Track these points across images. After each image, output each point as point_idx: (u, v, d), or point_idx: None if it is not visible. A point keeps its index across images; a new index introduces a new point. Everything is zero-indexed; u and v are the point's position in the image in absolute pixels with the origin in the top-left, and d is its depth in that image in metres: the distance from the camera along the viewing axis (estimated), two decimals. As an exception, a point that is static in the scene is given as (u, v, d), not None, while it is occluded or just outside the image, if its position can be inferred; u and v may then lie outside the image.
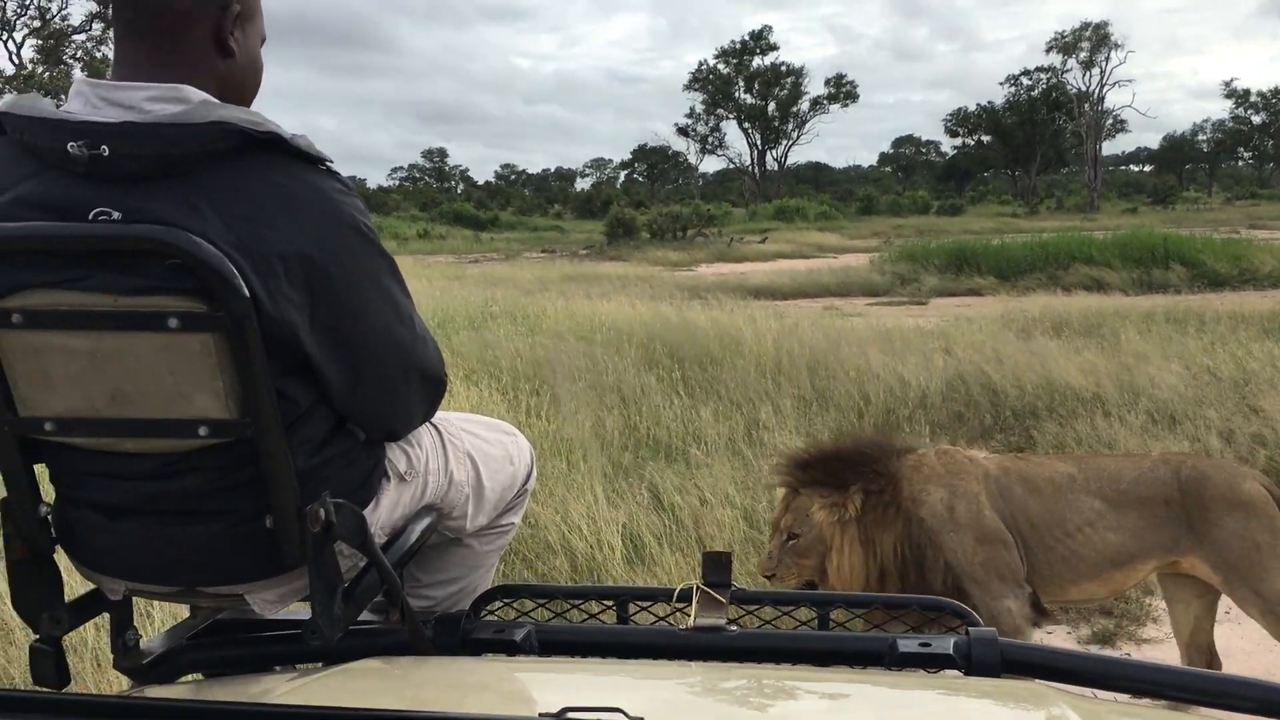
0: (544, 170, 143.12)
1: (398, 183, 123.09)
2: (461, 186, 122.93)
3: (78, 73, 53.71)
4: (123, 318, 1.37)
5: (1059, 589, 3.61)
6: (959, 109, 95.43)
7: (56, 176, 1.38)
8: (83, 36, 56.01)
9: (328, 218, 1.44)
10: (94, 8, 54.04)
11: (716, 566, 1.81)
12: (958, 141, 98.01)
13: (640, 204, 59.05)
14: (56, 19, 55.29)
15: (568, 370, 8.24)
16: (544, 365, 8.48)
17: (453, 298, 14.39)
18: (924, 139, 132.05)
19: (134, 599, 1.71)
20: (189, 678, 1.79)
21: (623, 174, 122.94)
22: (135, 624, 1.72)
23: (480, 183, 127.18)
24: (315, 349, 1.46)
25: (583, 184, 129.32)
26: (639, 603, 1.89)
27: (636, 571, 4.39)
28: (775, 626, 1.84)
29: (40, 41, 55.32)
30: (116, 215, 1.36)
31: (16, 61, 55.17)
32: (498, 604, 1.92)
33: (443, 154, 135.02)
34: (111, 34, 1.54)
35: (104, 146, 1.35)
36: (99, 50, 55.41)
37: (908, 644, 1.60)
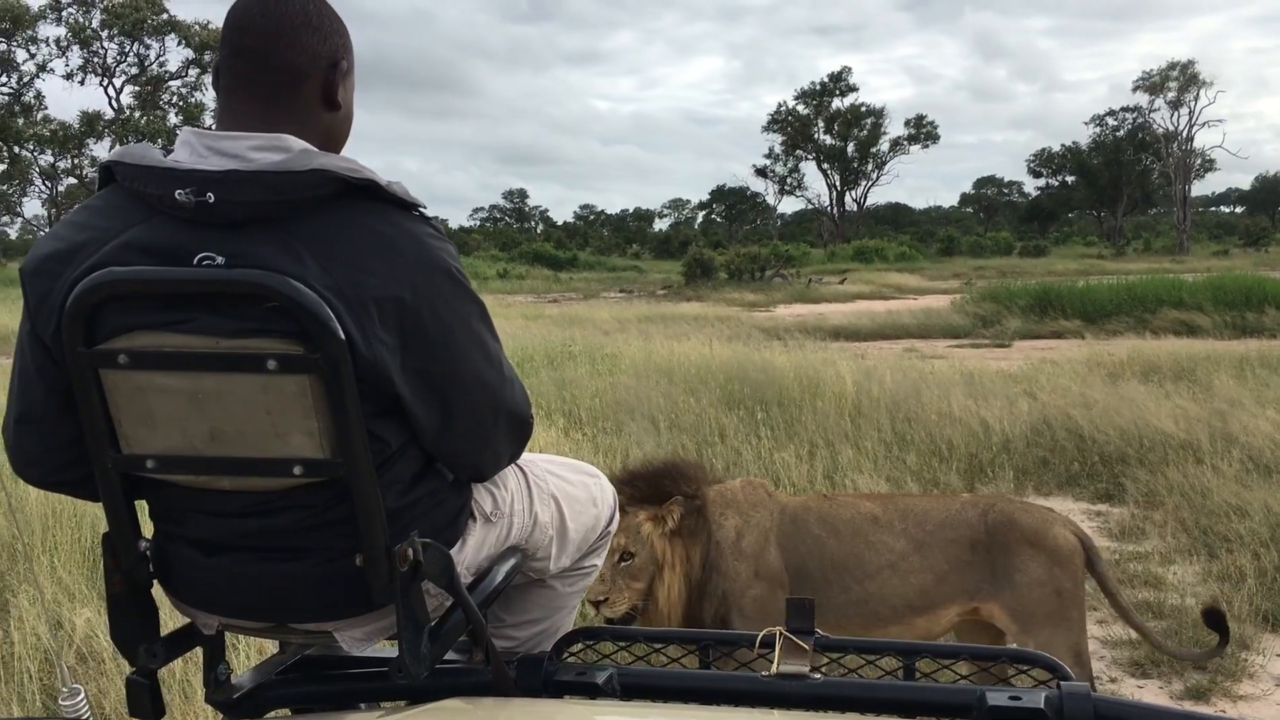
0: (622, 211, 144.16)
1: (478, 223, 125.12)
2: (541, 226, 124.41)
3: (172, 117, 55.56)
4: (224, 359, 1.41)
5: (860, 632, 3.49)
6: (1043, 149, 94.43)
7: (164, 222, 1.43)
8: (178, 83, 57.97)
9: (421, 262, 1.47)
10: (189, 54, 55.88)
11: (800, 613, 1.79)
12: (1041, 182, 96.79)
13: (718, 244, 59.22)
14: (154, 65, 57.25)
15: (646, 410, 8.25)
16: (622, 405, 8.50)
17: (532, 337, 14.53)
18: (1006, 179, 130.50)
19: (226, 634, 1.75)
20: (277, 713, 1.82)
21: (701, 214, 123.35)
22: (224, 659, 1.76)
23: (559, 223, 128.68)
24: (406, 390, 1.49)
25: (661, 224, 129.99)
26: (721, 648, 1.88)
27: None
28: (860, 675, 1.81)
29: (138, 87, 57.30)
30: (220, 260, 1.40)
31: (116, 106, 57.24)
32: (579, 646, 1.93)
33: (523, 194, 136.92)
34: (211, 83, 1.61)
35: (210, 193, 1.39)
36: (193, 96, 57.29)
37: (997, 697, 1.57)
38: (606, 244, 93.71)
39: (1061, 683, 1.61)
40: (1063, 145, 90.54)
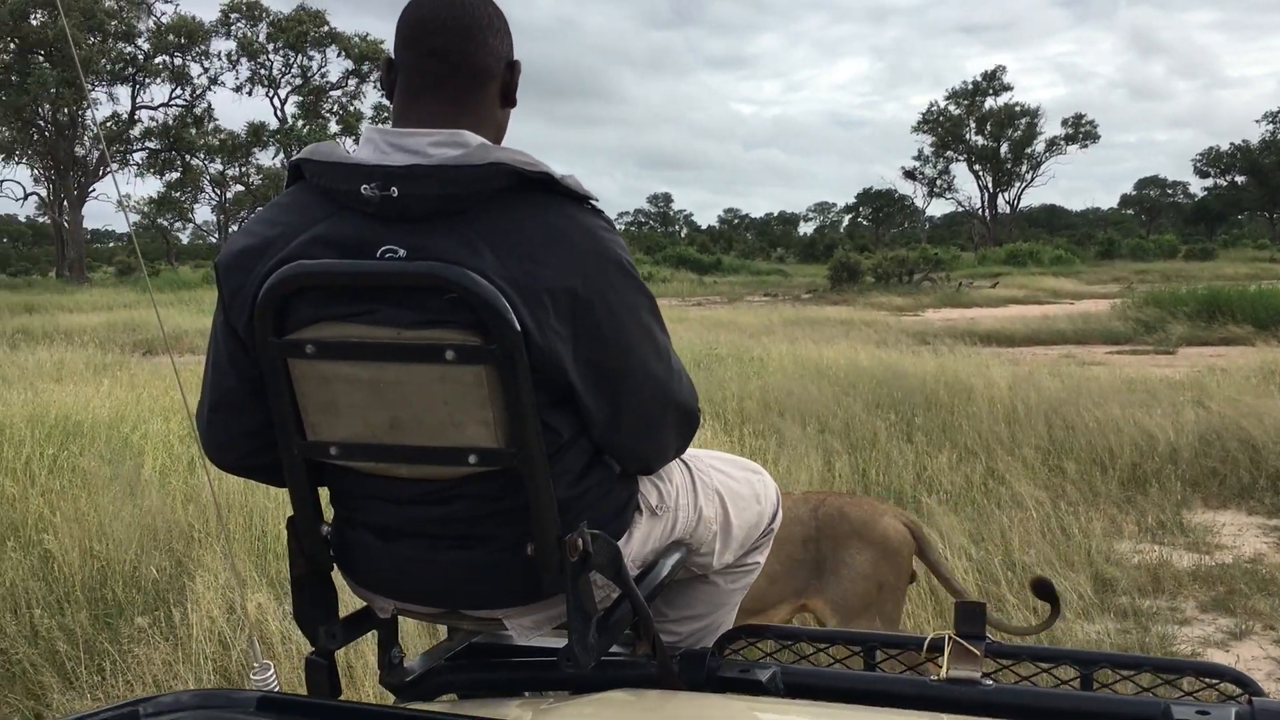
0: (766, 214, 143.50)
1: (624, 227, 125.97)
2: (685, 230, 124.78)
3: (333, 125, 57.68)
4: (405, 350, 1.45)
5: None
6: (1210, 148, 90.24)
7: (349, 217, 1.48)
8: (338, 92, 60.19)
9: (593, 254, 1.49)
10: (349, 65, 57.90)
11: (970, 617, 1.75)
12: (1209, 182, 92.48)
13: (864, 248, 58.35)
14: (316, 76, 59.55)
15: (795, 413, 8.18)
16: (770, 407, 8.45)
17: (678, 340, 14.48)
18: (1169, 180, 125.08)
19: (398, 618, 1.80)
20: (444, 697, 1.86)
21: (846, 218, 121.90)
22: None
23: (704, 227, 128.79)
24: (578, 381, 1.51)
25: (805, 228, 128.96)
26: (887, 650, 1.85)
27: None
28: (1033, 684, 1.75)
29: (301, 98, 59.68)
30: (402, 252, 1.44)
31: (280, 116, 59.76)
32: (741, 643, 1.92)
33: (667, 199, 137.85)
34: (381, 81, 1.66)
35: (394, 188, 1.44)
36: (351, 105, 59.40)
37: (1183, 711, 1.49)
38: (750, 248, 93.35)
39: (1253, 698, 1.53)
40: (1231, 144, 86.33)
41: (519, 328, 1.41)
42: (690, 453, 1.84)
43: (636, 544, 1.71)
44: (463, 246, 1.43)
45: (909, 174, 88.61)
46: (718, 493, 1.86)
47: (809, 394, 8.92)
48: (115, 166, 55.30)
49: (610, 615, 1.61)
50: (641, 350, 1.57)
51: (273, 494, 5.17)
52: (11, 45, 50.86)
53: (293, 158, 1.57)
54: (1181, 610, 4.89)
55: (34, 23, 50.27)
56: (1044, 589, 2.50)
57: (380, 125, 1.58)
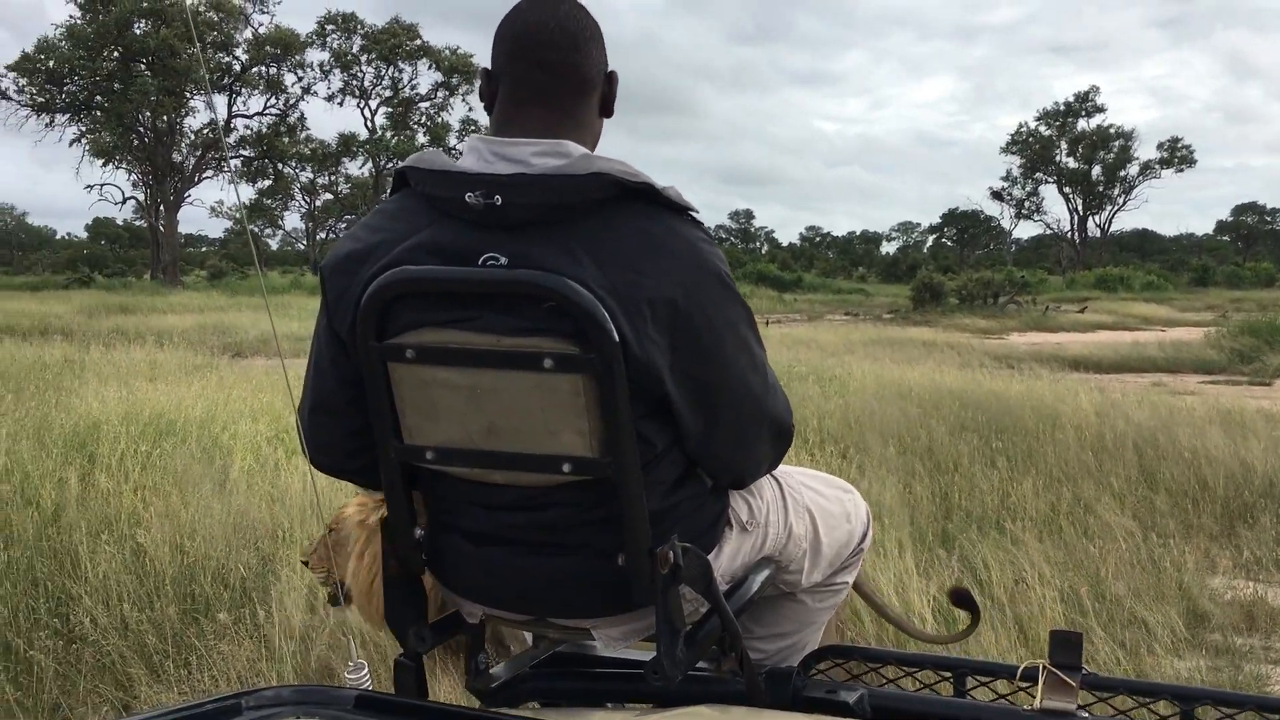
0: (849, 233, 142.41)
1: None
2: (765, 247, 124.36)
3: (420, 137, 58.64)
4: (503, 357, 1.46)
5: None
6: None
7: (452, 224, 1.50)
8: (427, 104, 61.20)
9: (693, 265, 1.49)
10: (438, 78, 58.84)
11: (1066, 647, 1.70)
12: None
13: (948, 269, 57.58)
14: (406, 88, 60.60)
15: (876, 433, 8.09)
16: (851, 427, 8.36)
17: (757, 356, 14.43)
18: (1268, 206, 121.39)
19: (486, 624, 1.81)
20: (527, 704, 1.87)
21: (930, 238, 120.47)
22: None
23: (784, 244, 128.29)
24: (675, 392, 1.50)
25: (888, 247, 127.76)
26: (978, 677, 1.81)
27: (948, 647, 4.21)
28: (1130, 718, 1.70)
29: (391, 109, 60.77)
30: (503, 260, 1.45)
31: (370, 127, 60.91)
32: (827, 664, 1.90)
33: (749, 215, 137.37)
34: (480, 91, 1.65)
35: (497, 196, 1.45)
36: (439, 116, 60.33)
37: (1291, 754, 1.44)
38: (832, 266, 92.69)
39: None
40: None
41: (617, 338, 1.41)
42: (781, 469, 1.83)
43: (726, 559, 1.70)
44: (563, 255, 1.44)
45: (996, 195, 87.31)
46: (808, 510, 1.84)
47: (890, 414, 8.82)
48: (235, 166, 56.77)
49: (699, 629, 1.60)
50: (738, 363, 1.56)
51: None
52: (115, 54, 52.57)
53: (398, 166, 1.60)
54: (1276, 649, 4.73)
55: (137, 32, 51.92)
56: (962, 598, 2.43)
57: (484, 135, 1.59)
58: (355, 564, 3.70)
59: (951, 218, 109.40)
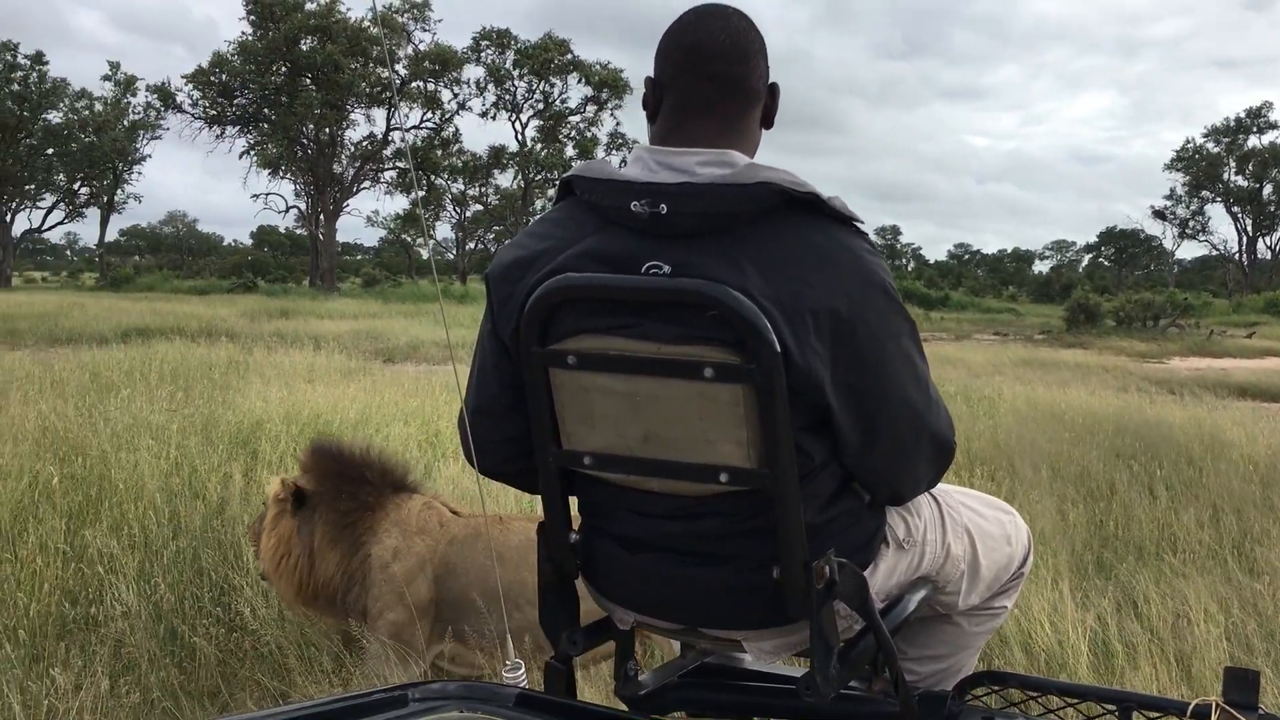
0: (999, 250, 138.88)
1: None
2: (912, 264, 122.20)
3: (569, 150, 59.55)
4: (663, 365, 1.47)
5: (529, 657, 3.33)
6: None
7: (617, 232, 1.51)
8: (576, 118, 62.13)
9: (858, 276, 1.47)
10: (588, 92, 59.70)
11: (1242, 684, 1.62)
12: None
13: (1105, 289, 55.62)
14: (557, 102, 61.63)
15: (1026, 456, 7.85)
16: (1000, 449, 8.14)
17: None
18: None
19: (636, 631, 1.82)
20: (674, 714, 1.87)
21: (1086, 257, 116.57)
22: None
23: (931, 261, 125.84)
24: (835, 403, 1.49)
25: (1041, 266, 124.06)
26: (1146, 712, 1.73)
27: (1104, 680, 4.05)
28: (1312, 765, 1.61)
29: (541, 122, 61.88)
30: (666, 268, 1.46)
31: (520, 140, 62.15)
32: (983, 689, 1.84)
33: (895, 231, 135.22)
34: (645, 101, 1.66)
35: (663, 205, 1.46)
36: (589, 130, 61.15)
37: None
38: (981, 284, 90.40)
39: None
40: None
41: (779, 348, 1.40)
42: (940, 488, 1.79)
43: (881, 576, 1.67)
44: (727, 264, 1.44)
45: (1158, 214, 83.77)
46: (967, 530, 1.80)
47: (1041, 438, 8.55)
48: (444, 178, 58.72)
49: (852, 647, 1.58)
50: (900, 376, 1.54)
51: (524, 499, 5.34)
52: (283, 68, 54.94)
53: (563, 175, 1.62)
54: None
55: (304, 47, 54.15)
56: None
57: (648, 145, 1.60)
58: (265, 539, 3.77)
59: (1109, 236, 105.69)
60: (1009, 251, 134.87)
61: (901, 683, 1.60)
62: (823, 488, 1.55)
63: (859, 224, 1.53)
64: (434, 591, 3.59)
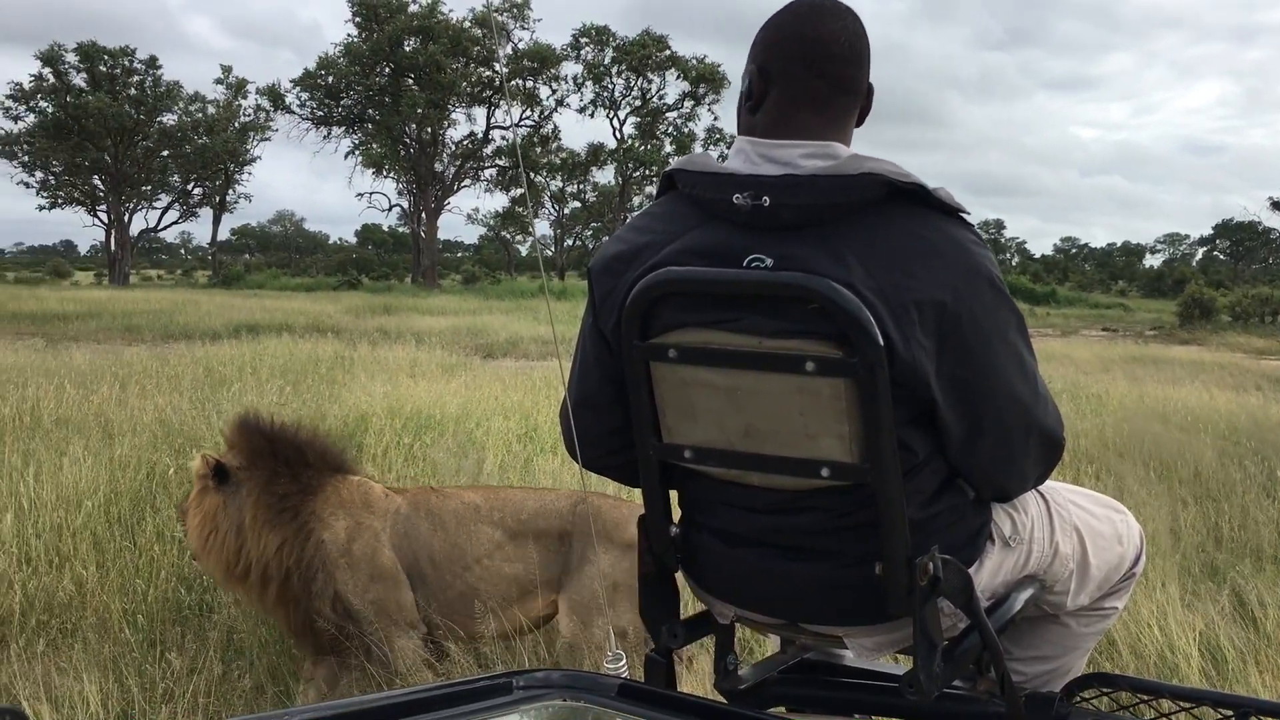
0: (1108, 245, 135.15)
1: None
2: (1017, 259, 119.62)
3: (667, 146, 59.55)
4: (765, 359, 1.46)
5: (467, 624, 3.58)
6: None
7: (719, 225, 1.51)
8: (674, 114, 62.12)
9: (964, 268, 1.45)
10: (685, 88, 59.62)
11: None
12: None
13: (1221, 284, 53.76)
14: (654, 98, 61.71)
15: (1136, 455, 7.63)
16: (1109, 448, 7.93)
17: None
18: None
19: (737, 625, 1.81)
20: (774, 709, 1.86)
21: (1200, 251, 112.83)
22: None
23: (1036, 255, 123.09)
24: (940, 396, 1.46)
25: (1152, 260, 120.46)
26: (1264, 717, 1.67)
27: (1215, 686, 3.92)
28: None
29: (639, 119, 62.03)
30: (768, 262, 1.45)
31: (618, 136, 62.39)
32: (1093, 691, 1.80)
33: (999, 225, 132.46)
34: (748, 91, 1.63)
35: (765, 198, 1.45)
36: (686, 126, 61.10)
37: None
38: (1088, 279, 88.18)
39: None
40: None
41: (882, 342, 1.39)
42: (1048, 485, 1.75)
43: (987, 574, 1.64)
44: (829, 257, 1.42)
45: (1277, 205, 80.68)
46: (1076, 529, 1.75)
47: (1152, 436, 8.30)
48: (531, 176, 59.43)
49: (956, 645, 1.55)
50: (1007, 370, 1.51)
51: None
52: (387, 69, 56.02)
53: (666, 168, 1.62)
54: None
55: (407, 48, 55.13)
56: None
57: (749, 136, 1.59)
58: (191, 517, 3.79)
59: (1225, 229, 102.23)
60: (1118, 245, 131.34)
61: (1008, 682, 1.57)
62: (926, 484, 1.53)
63: (965, 215, 1.50)
64: (397, 559, 3.64)
